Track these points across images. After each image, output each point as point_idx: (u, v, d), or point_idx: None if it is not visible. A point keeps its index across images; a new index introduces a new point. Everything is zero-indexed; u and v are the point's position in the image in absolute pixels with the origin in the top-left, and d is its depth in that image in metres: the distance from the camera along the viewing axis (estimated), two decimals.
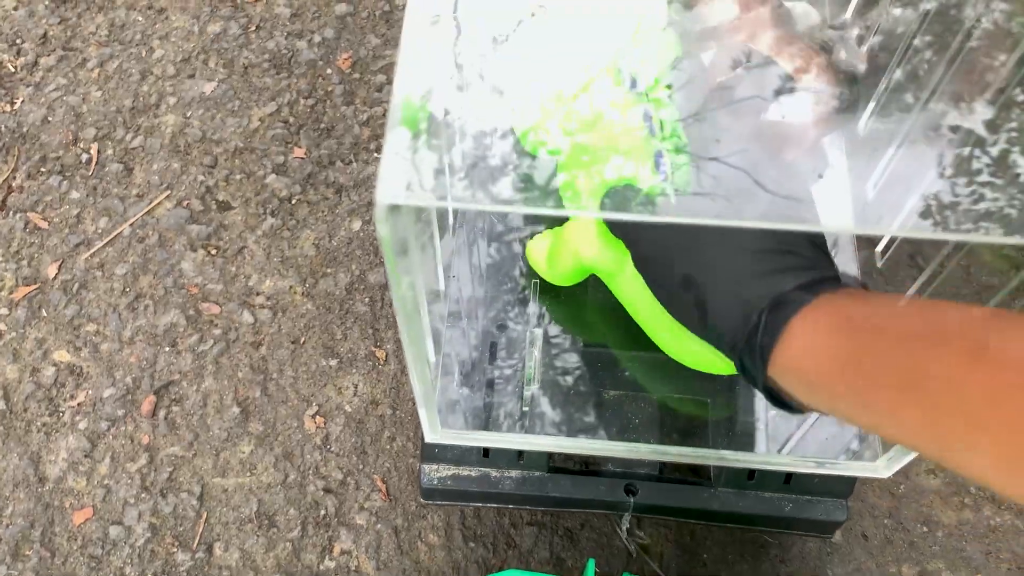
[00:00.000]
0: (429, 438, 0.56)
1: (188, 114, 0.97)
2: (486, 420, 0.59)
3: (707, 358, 0.56)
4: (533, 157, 0.42)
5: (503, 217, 0.67)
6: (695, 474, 0.71)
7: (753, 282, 0.40)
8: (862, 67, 0.50)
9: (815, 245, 0.43)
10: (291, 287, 0.86)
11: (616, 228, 0.50)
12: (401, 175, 0.37)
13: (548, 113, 0.44)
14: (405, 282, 0.42)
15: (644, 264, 0.47)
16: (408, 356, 0.47)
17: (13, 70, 1.00)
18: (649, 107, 0.46)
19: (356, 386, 0.81)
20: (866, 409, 0.35)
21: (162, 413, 0.80)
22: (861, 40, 0.54)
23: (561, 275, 0.62)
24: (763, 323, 0.38)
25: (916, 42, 0.52)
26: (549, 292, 0.64)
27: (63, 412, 0.80)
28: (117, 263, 0.87)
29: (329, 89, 0.98)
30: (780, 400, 0.41)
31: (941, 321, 0.33)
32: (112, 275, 0.87)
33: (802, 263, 0.40)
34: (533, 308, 0.63)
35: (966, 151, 0.42)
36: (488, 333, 0.62)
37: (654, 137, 0.45)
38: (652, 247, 0.46)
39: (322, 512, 0.76)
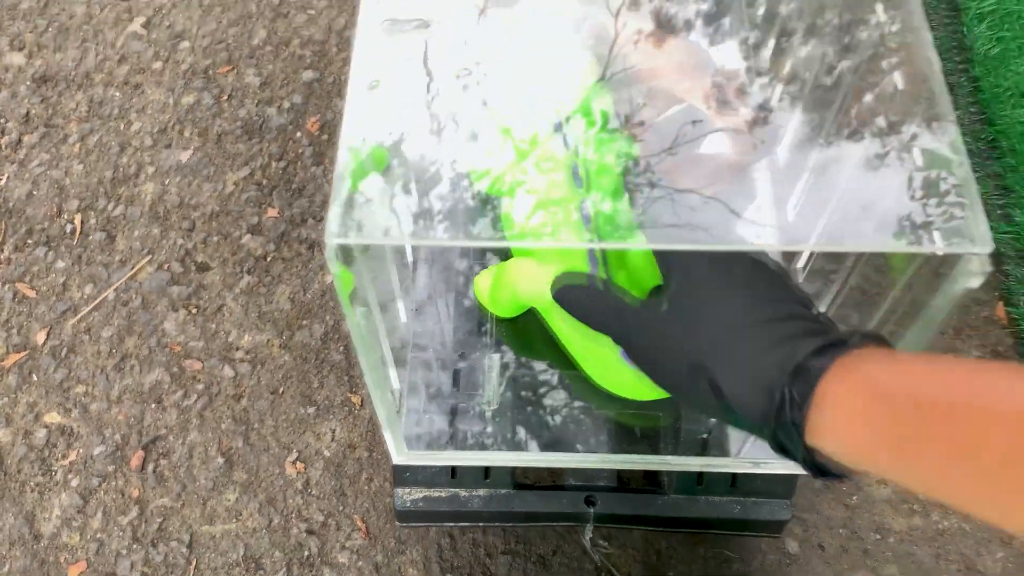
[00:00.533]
0: (396, 460, 0.61)
1: (166, 182, 1.02)
2: (451, 441, 0.63)
3: (634, 386, 0.61)
4: (483, 195, 0.47)
5: (461, 251, 0.72)
6: (650, 483, 0.76)
7: (765, 357, 0.39)
8: (762, 111, 0.55)
9: (806, 305, 0.42)
10: (269, 340, 0.91)
11: (605, 328, 0.49)
12: (349, 216, 0.42)
13: (496, 158, 0.50)
14: (359, 312, 0.47)
15: (642, 357, 0.46)
16: (368, 383, 0.52)
17: None
18: (576, 162, 0.51)
19: (334, 431, 0.86)
20: (914, 479, 0.34)
21: (151, 467, 0.84)
22: (774, 78, 0.60)
23: (502, 308, 0.67)
24: (788, 397, 0.37)
25: (823, 77, 0.58)
26: (506, 320, 0.69)
27: (55, 471, 0.84)
28: (103, 327, 0.92)
29: (299, 151, 1.04)
30: (822, 470, 0.39)
31: (988, 388, 0.32)
32: (99, 338, 0.91)
33: (806, 328, 0.40)
34: (491, 335, 0.68)
35: (868, 174, 0.48)
36: (451, 360, 0.67)
37: (580, 189, 0.51)
38: (647, 340, 0.45)
39: (306, 553, 0.80)
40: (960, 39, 1.07)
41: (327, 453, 0.85)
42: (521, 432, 0.64)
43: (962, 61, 1.06)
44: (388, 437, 0.59)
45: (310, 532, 0.81)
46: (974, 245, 0.38)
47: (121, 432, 0.86)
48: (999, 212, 0.96)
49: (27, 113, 1.08)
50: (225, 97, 1.09)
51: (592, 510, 0.70)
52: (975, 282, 0.39)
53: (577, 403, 0.65)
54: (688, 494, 0.69)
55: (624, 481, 0.72)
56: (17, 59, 1.13)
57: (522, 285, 0.64)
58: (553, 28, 0.58)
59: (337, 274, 0.44)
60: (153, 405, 0.87)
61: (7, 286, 0.95)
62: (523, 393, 0.66)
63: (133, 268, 0.96)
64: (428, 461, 0.63)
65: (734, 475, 0.69)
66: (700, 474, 0.69)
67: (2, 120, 1.08)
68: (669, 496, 0.70)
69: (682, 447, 0.63)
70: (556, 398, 0.65)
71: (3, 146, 1.05)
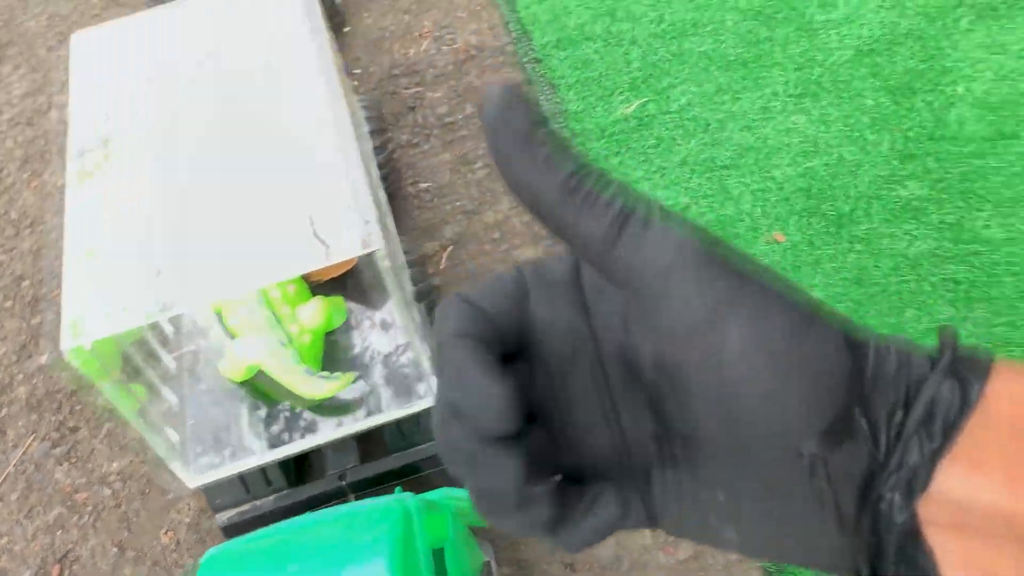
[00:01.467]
0: (189, 484, 0.97)
1: (33, 381, 1.38)
2: (230, 457, 1.00)
3: (322, 394, 1.00)
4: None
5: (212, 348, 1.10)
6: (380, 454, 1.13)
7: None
8: None
9: None
10: (131, 461, 1.27)
11: None
12: (73, 330, 0.80)
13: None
14: (107, 387, 0.85)
15: None
16: (142, 431, 0.89)
17: None
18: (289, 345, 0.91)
19: (188, 504, 1.21)
20: None
21: (67, 572, 1.18)
22: None
23: (240, 375, 1.06)
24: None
25: None
26: (246, 381, 1.07)
27: None
28: (11, 493, 1.26)
29: None
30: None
31: None
32: (10, 502, 1.26)
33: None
34: (240, 390, 1.06)
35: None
36: (221, 411, 1.04)
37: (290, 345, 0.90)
38: None
39: None
40: (558, 104, 1.53)
41: (187, 520, 1.20)
42: (267, 439, 1.01)
43: (564, 121, 1.51)
44: (177, 469, 0.96)
45: (187, 573, 1.15)
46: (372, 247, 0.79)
47: (40, 557, 1.20)
48: None
49: None
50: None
51: (345, 483, 1.07)
52: (386, 263, 0.80)
53: (298, 412, 1.03)
54: (398, 451, 1.07)
55: (363, 458, 1.09)
56: None
57: (240, 356, 1.03)
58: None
59: (87, 371, 0.82)
60: (59, 532, 1.22)
61: None
62: (266, 417, 1.04)
63: (24, 447, 1.31)
64: (213, 477, 0.99)
65: (400, 430, 1.06)
66: (400, 431, 1.07)
67: None
68: (389, 457, 1.07)
69: (365, 417, 1.01)
70: (286, 414, 1.03)
71: None
